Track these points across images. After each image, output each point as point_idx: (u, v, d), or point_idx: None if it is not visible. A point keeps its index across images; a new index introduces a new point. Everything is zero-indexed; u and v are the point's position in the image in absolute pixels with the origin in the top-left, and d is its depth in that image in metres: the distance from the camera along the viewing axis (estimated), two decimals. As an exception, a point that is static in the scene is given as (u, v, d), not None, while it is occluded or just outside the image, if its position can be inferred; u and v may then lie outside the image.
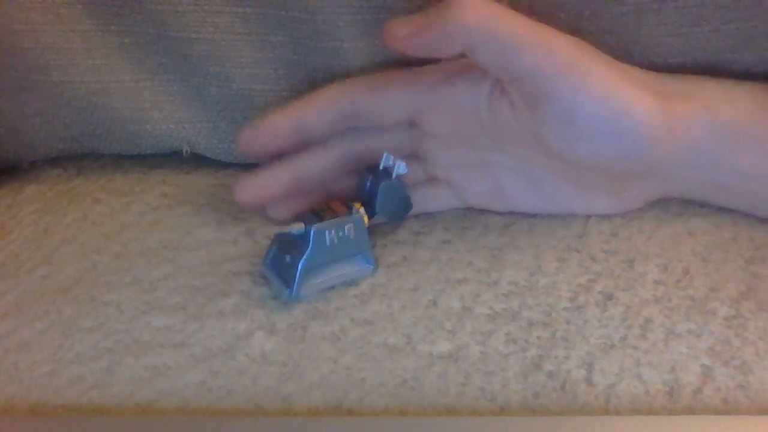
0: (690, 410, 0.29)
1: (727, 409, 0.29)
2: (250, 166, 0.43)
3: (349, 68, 0.38)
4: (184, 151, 0.43)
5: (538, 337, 0.32)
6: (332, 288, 0.35)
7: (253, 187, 0.37)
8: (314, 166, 0.37)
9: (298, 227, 0.33)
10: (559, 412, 0.29)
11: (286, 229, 0.34)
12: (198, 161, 0.44)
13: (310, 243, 0.34)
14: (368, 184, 0.36)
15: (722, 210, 0.37)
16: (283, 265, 0.35)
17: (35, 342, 0.34)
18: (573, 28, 0.35)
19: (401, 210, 0.37)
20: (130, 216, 0.41)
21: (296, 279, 0.34)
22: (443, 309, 0.34)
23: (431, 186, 0.39)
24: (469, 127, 0.36)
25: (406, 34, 0.33)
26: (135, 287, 0.36)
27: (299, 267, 0.33)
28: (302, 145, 0.37)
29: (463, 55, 0.32)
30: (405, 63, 0.37)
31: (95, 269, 0.37)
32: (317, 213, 0.35)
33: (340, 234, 0.34)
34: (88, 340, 0.34)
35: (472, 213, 0.39)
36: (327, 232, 0.34)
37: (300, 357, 0.32)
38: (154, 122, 0.41)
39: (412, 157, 0.38)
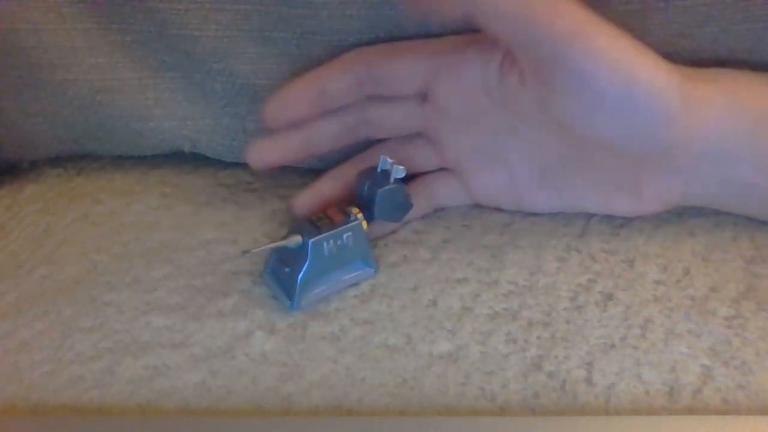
0: (690, 410, 0.29)
1: (727, 409, 0.29)
2: (249, 166, 0.44)
3: None
4: (185, 149, 0.43)
5: (538, 337, 0.32)
6: (332, 289, 0.35)
7: (265, 150, 0.37)
8: (327, 130, 0.37)
9: (295, 240, 0.33)
10: (559, 412, 0.29)
11: (283, 243, 0.33)
12: (198, 161, 0.44)
13: (309, 256, 0.33)
14: (366, 188, 0.36)
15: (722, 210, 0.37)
16: (282, 275, 0.34)
17: (35, 342, 0.34)
18: None
19: (400, 212, 0.37)
20: (130, 216, 0.41)
21: (296, 291, 0.34)
22: (443, 309, 0.34)
23: (440, 177, 0.39)
24: (480, 101, 0.36)
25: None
26: (135, 287, 0.36)
27: (298, 280, 0.33)
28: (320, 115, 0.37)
29: (473, 27, 0.32)
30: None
31: (95, 269, 0.37)
32: (314, 222, 0.34)
33: (339, 243, 0.34)
34: (87, 340, 0.34)
35: (472, 212, 0.39)
36: (325, 242, 0.34)
37: (300, 357, 0.32)
38: (158, 119, 0.41)
39: (423, 139, 0.38)
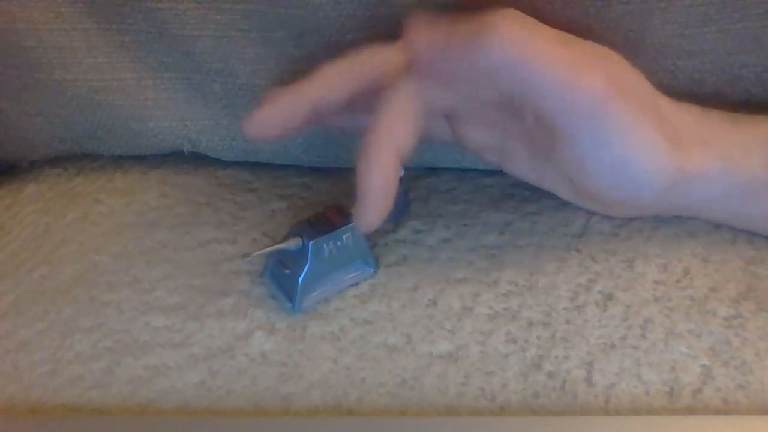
0: (690, 410, 0.29)
1: (727, 409, 0.29)
2: (250, 166, 0.44)
3: None
4: (185, 149, 0.43)
5: (538, 337, 0.32)
6: (332, 289, 0.35)
7: (265, 122, 0.32)
8: (328, 97, 0.33)
9: (295, 242, 0.33)
10: (559, 412, 0.29)
11: (283, 245, 0.33)
12: (198, 161, 0.44)
13: (309, 258, 0.33)
14: None
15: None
16: (282, 277, 0.34)
17: (35, 342, 0.34)
18: (578, 27, 0.35)
19: (401, 212, 0.37)
20: (130, 216, 0.41)
21: (297, 294, 0.33)
22: (443, 309, 0.34)
23: (430, 118, 0.34)
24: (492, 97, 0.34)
25: (428, 47, 0.31)
26: (135, 287, 0.36)
27: (299, 282, 0.33)
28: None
29: None
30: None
31: (95, 269, 0.37)
32: (313, 223, 0.34)
33: (338, 243, 0.34)
34: (87, 340, 0.34)
35: (472, 212, 0.39)
36: (325, 244, 0.34)
37: (299, 357, 0.32)
38: (157, 120, 0.41)
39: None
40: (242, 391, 0.31)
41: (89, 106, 0.41)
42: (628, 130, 0.31)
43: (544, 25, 0.31)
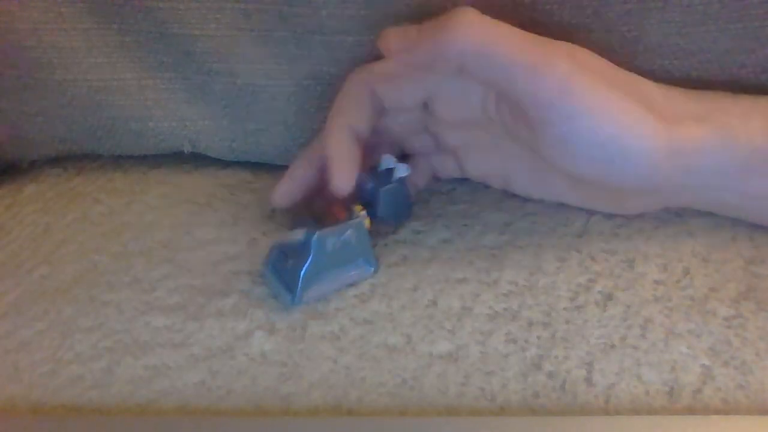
0: (690, 410, 0.29)
1: (727, 409, 0.29)
2: (250, 166, 0.44)
3: (354, 61, 0.38)
4: (185, 150, 0.43)
5: (538, 337, 0.32)
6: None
7: (286, 193, 0.37)
8: (339, 156, 0.36)
9: (299, 234, 0.33)
10: (559, 412, 0.29)
11: (287, 238, 0.33)
12: (198, 161, 0.44)
13: (312, 250, 0.33)
14: (370, 186, 0.36)
15: (722, 210, 0.37)
16: (284, 269, 0.34)
17: (35, 342, 0.34)
18: (575, 26, 0.35)
19: (403, 212, 0.37)
20: (130, 216, 0.41)
21: (298, 286, 0.33)
22: (443, 309, 0.34)
23: (439, 154, 0.40)
24: (479, 118, 0.36)
25: (399, 49, 0.33)
26: (135, 287, 0.36)
27: (301, 275, 0.33)
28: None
29: None
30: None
31: (95, 269, 0.37)
32: (318, 218, 0.34)
33: (342, 239, 0.34)
34: (87, 340, 0.34)
35: (472, 212, 0.39)
36: (328, 238, 0.34)
37: (300, 357, 0.32)
38: (157, 120, 0.41)
39: (424, 131, 0.39)
40: (242, 391, 0.31)
41: (89, 107, 0.41)
42: (599, 103, 0.31)
43: (503, 21, 0.32)
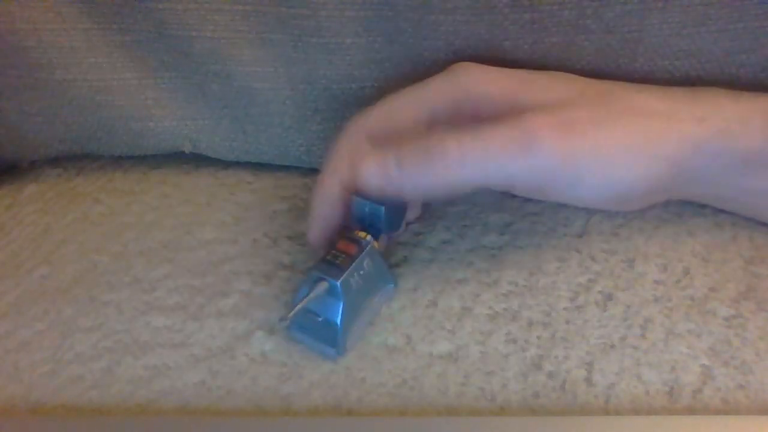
0: (690, 410, 0.29)
1: (727, 409, 0.29)
2: (250, 166, 0.44)
3: (351, 64, 0.38)
4: (185, 150, 0.43)
5: (538, 337, 0.32)
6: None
7: (319, 230, 0.36)
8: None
9: (322, 287, 0.31)
10: (559, 412, 0.29)
11: (314, 294, 0.31)
12: (198, 161, 0.44)
13: (342, 297, 0.31)
14: (367, 208, 0.35)
15: (722, 210, 0.37)
16: (315, 325, 0.32)
17: (35, 342, 0.34)
18: (575, 27, 0.35)
19: (400, 219, 0.36)
20: (130, 216, 0.41)
21: (339, 337, 0.32)
22: (443, 309, 0.34)
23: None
24: None
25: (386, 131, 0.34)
26: (135, 287, 0.36)
27: (339, 325, 0.31)
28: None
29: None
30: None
31: (95, 269, 0.37)
32: (332, 262, 0.32)
33: (362, 273, 0.33)
34: (87, 340, 0.34)
35: (472, 212, 0.39)
36: (351, 278, 0.32)
37: (300, 357, 0.32)
38: (157, 119, 0.41)
39: None
40: (242, 391, 0.31)
41: (89, 107, 0.41)
42: (596, 158, 0.31)
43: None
